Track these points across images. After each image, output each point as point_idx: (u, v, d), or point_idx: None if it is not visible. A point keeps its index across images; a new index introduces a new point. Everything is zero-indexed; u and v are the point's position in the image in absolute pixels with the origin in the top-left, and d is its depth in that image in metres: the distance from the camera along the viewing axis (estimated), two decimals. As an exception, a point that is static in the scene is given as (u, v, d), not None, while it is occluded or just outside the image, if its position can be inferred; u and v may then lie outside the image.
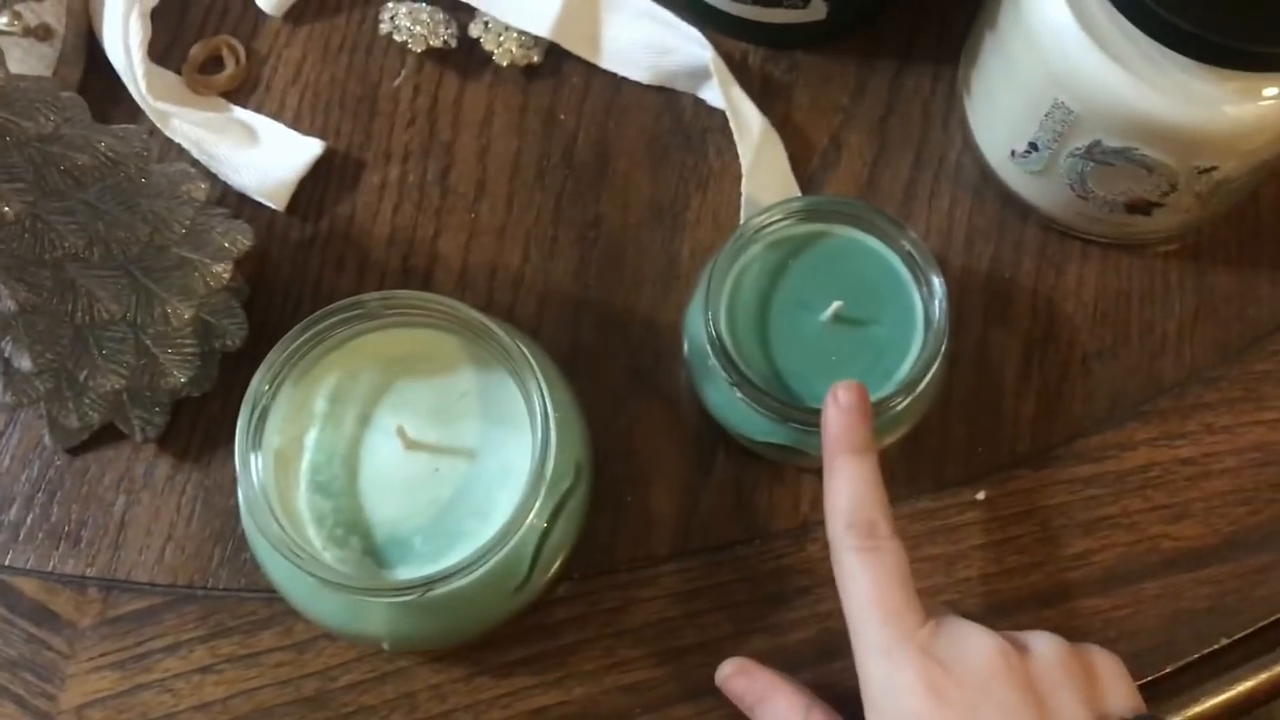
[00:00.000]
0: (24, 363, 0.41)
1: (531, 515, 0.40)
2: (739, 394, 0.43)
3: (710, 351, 0.43)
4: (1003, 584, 0.46)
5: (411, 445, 0.42)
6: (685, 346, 0.47)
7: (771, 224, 0.45)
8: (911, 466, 0.47)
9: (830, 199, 0.47)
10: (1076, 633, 0.45)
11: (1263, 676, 0.45)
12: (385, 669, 0.45)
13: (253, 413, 0.40)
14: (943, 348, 0.43)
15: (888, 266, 0.45)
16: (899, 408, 0.43)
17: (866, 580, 0.38)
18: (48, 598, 0.46)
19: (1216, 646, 0.45)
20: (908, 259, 0.44)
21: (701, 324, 0.44)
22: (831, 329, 0.44)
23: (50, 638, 0.46)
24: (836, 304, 0.44)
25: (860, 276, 0.45)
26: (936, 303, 0.43)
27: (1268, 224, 0.51)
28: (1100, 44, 0.41)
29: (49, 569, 0.46)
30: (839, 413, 0.41)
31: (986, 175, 0.50)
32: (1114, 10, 0.40)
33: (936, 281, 0.43)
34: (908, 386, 0.42)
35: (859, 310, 0.44)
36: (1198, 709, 0.45)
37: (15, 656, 0.45)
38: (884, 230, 0.44)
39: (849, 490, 0.40)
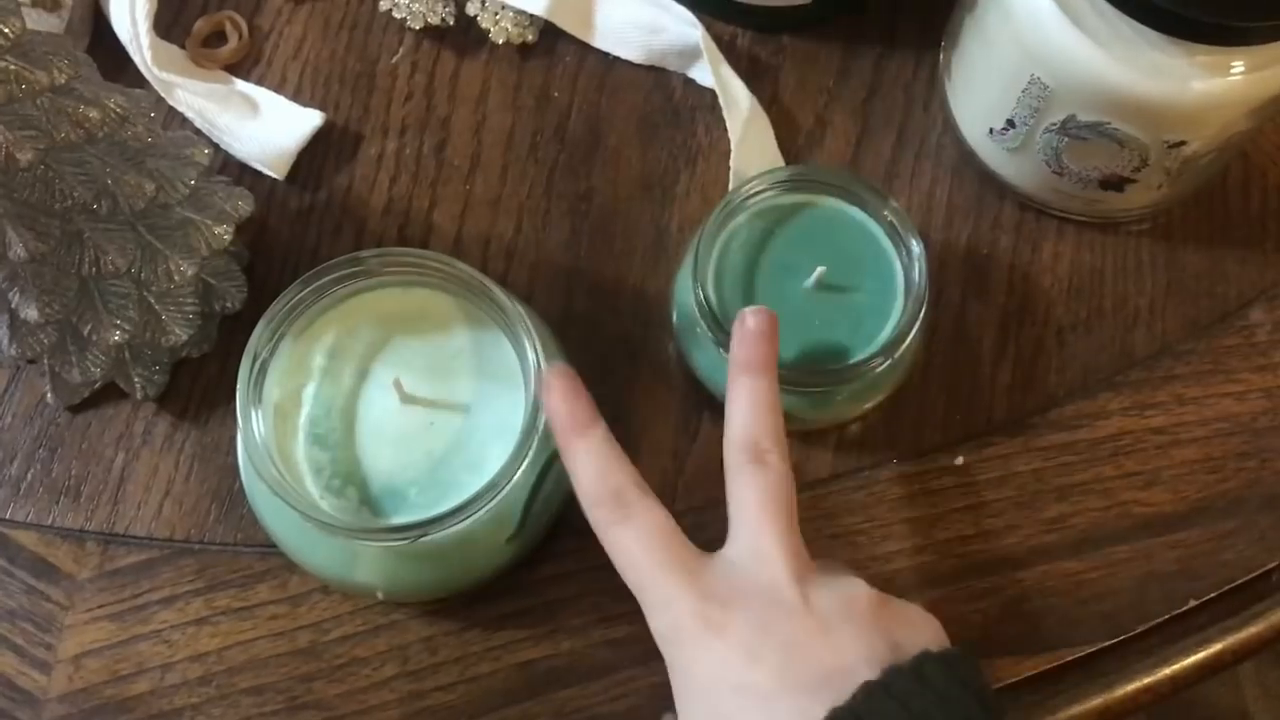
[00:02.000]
0: (31, 313, 0.42)
1: (523, 467, 0.41)
2: (725, 355, 0.44)
3: (698, 315, 0.45)
4: (979, 546, 0.47)
5: (407, 399, 0.43)
6: (674, 314, 0.48)
7: (758, 193, 0.46)
8: (892, 432, 0.49)
9: (816, 169, 0.49)
10: (1051, 593, 0.47)
11: (1230, 639, 0.47)
12: (378, 622, 0.46)
13: (254, 364, 0.41)
14: (922, 311, 0.44)
15: (870, 236, 0.46)
16: (879, 369, 0.44)
17: (753, 499, 0.39)
18: (47, 550, 0.47)
19: (1185, 608, 0.47)
20: (889, 229, 0.46)
21: (690, 290, 0.45)
22: (815, 295, 0.46)
23: (49, 589, 0.47)
24: (820, 270, 0.45)
25: (843, 245, 0.46)
26: (916, 266, 0.44)
27: (1235, 206, 0.52)
28: (1074, 19, 0.43)
29: (49, 522, 0.47)
30: (743, 335, 0.41)
31: (965, 155, 0.52)
32: (1087, -14, 0.42)
33: (915, 245, 0.44)
34: (888, 348, 0.44)
35: (842, 277, 0.46)
36: (1168, 669, 0.46)
37: (15, 607, 0.46)
38: (867, 200, 0.46)
39: (740, 411, 0.40)
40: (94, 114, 0.39)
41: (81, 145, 0.40)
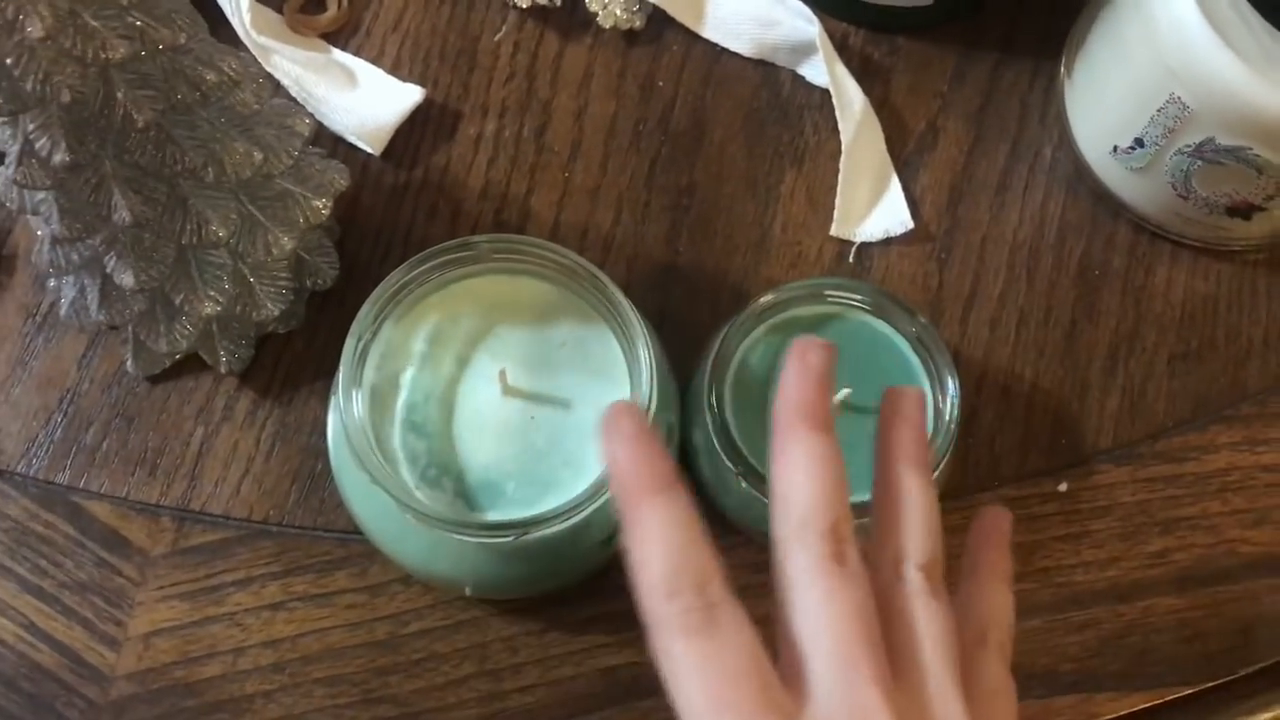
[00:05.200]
0: (126, 279, 0.41)
1: (629, 468, 0.39)
2: (744, 484, 0.41)
3: (717, 445, 0.41)
4: (1080, 577, 0.46)
5: (510, 391, 0.41)
6: (697, 458, 0.44)
7: (778, 305, 0.43)
8: (996, 454, 0.47)
9: (840, 281, 0.44)
10: (1153, 630, 0.45)
11: (1334, 687, 0.45)
12: (459, 617, 0.45)
13: (357, 345, 0.40)
14: (952, 446, 0.41)
15: (897, 353, 0.43)
16: None
17: (836, 623, 0.30)
18: (120, 524, 0.46)
19: (1291, 654, 0.45)
20: (918, 346, 0.43)
21: (706, 421, 0.42)
22: (839, 417, 0.41)
23: (121, 564, 0.45)
24: (845, 391, 0.42)
25: (869, 362, 0.43)
26: (949, 400, 0.41)
27: (1357, 240, 0.51)
28: (1224, 36, 0.41)
29: (123, 495, 0.46)
30: (798, 371, 0.32)
31: (1081, 171, 0.50)
32: (1241, 2, 0.40)
33: (951, 382, 0.41)
34: None
35: (867, 398, 0.41)
36: (1268, 714, 0.45)
37: (85, 580, 0.45)
38: (894, 316, 0.43)
39: (799, 482, 0.31)
40: (210, 76, 0.38)
41: (194, 108, 0.38)
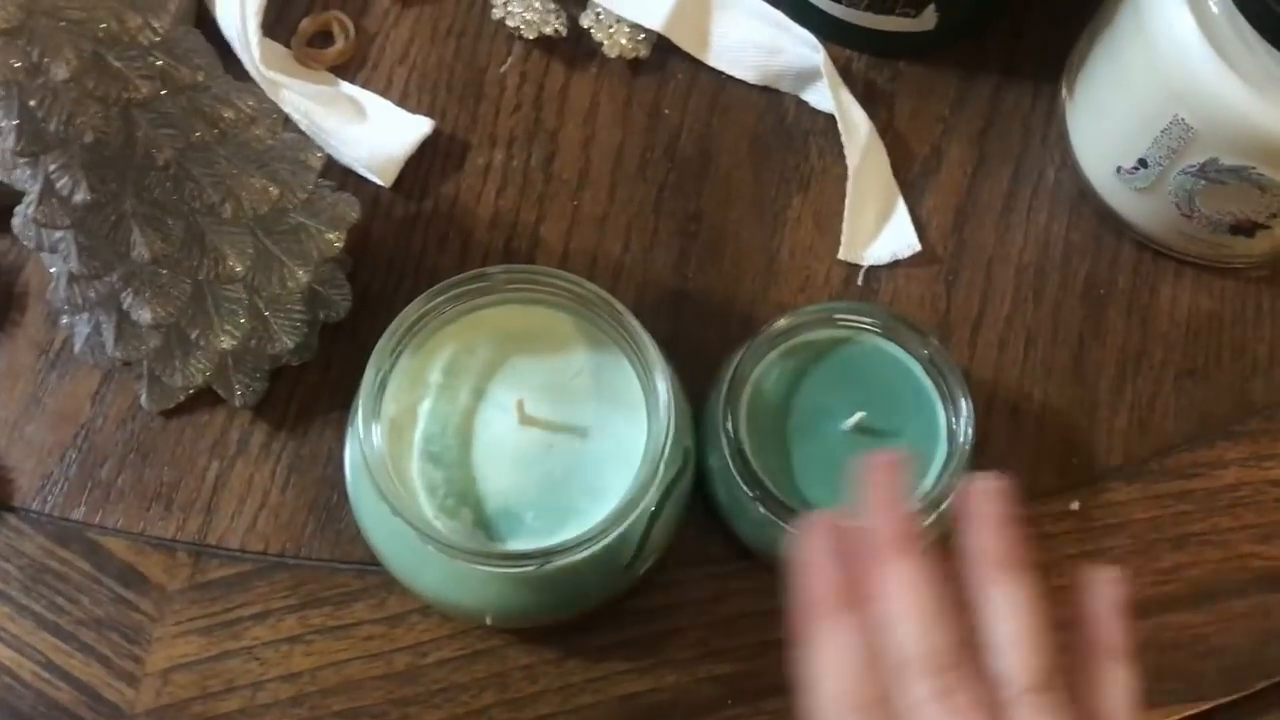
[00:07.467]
0: (144, 315, 0.41)
1: (649, 494, 0.40)
2: (761, 508, 0.41)
3: (729, 458, 0.42)
4: (1094, 594, 0.46)
5: (527, 420, 0.42)
6: (713, 484, 0.45)
7: (790, 329, 0.44)
8: (1008, 473, 0.47)
9: (851, 305, 0.46)
10: (1169, 646, 0.46)
11: (1347, 700, 0.46)
12: (477, 647, 0.45)
13: (377, 376, 0.40)
14: (965, 468, 0.42)
15: (910, 376, 0.44)
16: (923, 525, 0.41)
17: None
18: (137, 559, 0.46)
19: (1305, 667, 0.46)
20: (930, 368, 0.43)
21: (719, 440, 0.42)
22: (853, 438, 0.43)
23: (138, 599, 0.45)
24: (859, 414, 0.42)
25: (883, 385, 0.43)
26: (963, 422, 0.42)
27: (1357, 255, 0.51)
28: (1227, 59, 0.42)
29: (139, 530, 0.46)
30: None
31: (1084, 192, 0.51)
32: (1242, 25, 0.41)
33: (964, 404, 0.42)
34: (932, 504, 0.41)
35: (881, 421, 0.43)
36: (1284, 728, 0.45)
37: (103, 616, 0.45)
38: (905, 338, 0.43)
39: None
40: (228, 113, 0.38)
41: (212, 146, 0.38)
